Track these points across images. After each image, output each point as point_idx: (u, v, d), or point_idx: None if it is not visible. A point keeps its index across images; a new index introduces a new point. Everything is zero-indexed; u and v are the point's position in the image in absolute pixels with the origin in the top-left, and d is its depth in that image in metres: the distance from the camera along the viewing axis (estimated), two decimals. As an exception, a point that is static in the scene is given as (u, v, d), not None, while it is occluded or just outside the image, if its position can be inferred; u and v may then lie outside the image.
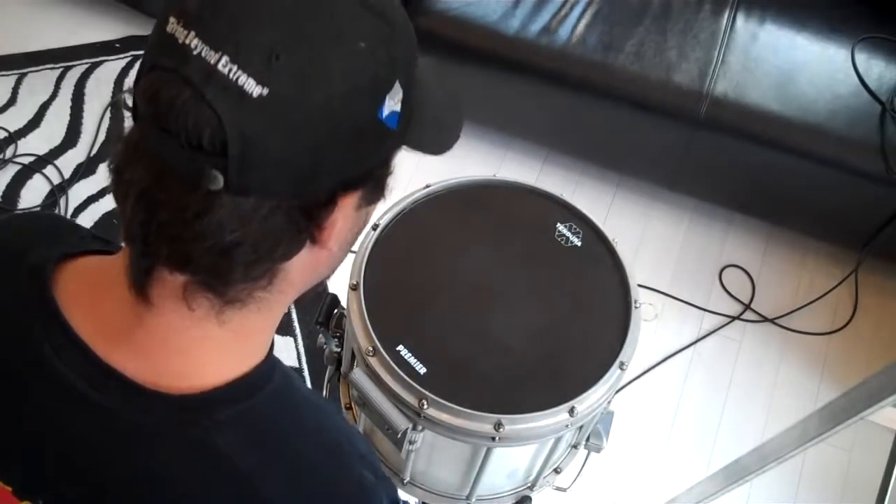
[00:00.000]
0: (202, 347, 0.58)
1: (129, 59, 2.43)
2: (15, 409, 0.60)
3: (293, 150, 0.50)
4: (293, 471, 0.60)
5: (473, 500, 1.17)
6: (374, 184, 0.59)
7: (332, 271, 0.65)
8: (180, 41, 0.49)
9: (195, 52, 0.48)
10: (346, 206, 0.56)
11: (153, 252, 0.54)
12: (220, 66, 0.48)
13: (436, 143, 0.64)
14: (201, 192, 0.50)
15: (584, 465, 1.31)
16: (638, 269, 1.11)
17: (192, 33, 0.49)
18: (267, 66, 0.48)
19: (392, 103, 0.54)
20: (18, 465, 0.60)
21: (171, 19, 0.50)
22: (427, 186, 1.15)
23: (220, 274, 0.54)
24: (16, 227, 0.70)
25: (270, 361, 0.63)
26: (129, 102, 0.58)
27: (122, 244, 0.57)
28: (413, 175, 2.31)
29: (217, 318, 0.57)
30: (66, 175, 2.17)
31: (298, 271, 0.59)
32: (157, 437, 0.57)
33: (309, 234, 0.56)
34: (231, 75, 0.48)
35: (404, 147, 0.60)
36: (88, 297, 0.59)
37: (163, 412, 0.57)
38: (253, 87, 0.48)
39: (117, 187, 0.54)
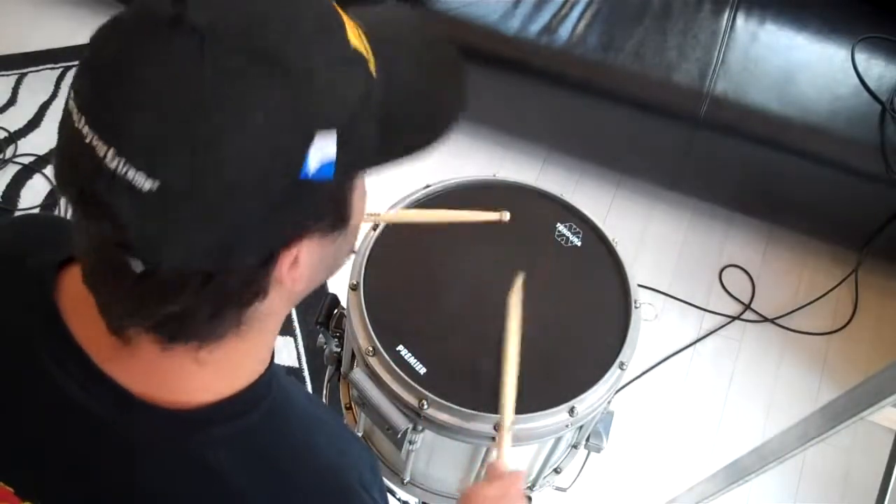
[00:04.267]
0: (190, 372, 0.57)
1: (129, 59, 2.44)
2: (15, 414, 0.60)
3: (200, 238, 0.47)
4: (285, 494, 0.59)
5: (473, 500, 1.17)
6: (328, 223, 0.54)
7: (330, 276, 0.61)
8: (75, 125, 0.46)
9: (87, 141, 0.45)
10: (304, 250, 0.52)
11: (109, 310, 0.53)
12: (107, 161, 0.45)
13: (419, 145, 0.58)
14: (131, 276, 0.48)
15: (584, 465, 1.31)
16: (638, 269, 1.11)
17: (83, 119, 0.46)
18: (152, 157, 0.45)
19: (319, 156, 0.48)
20: (20, 468, 0.60)
21: (72, 94, 0.48)
22: (427, 186, 1.15)
23: (184, 334, 0.53)
24: (16, 231, 0.69)
25: (268, 375, 0.61)
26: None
27: None
28: (413, 175, 2.32)
29: (195, 357, 0.55)
30: (66, 175, 2.17)
31: (273, 302, 0.56)
32: (149, 450, 0.57)
33: (261, 288, 0.53)
34: (119, 169, 0.45)
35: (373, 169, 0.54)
36: (87, 307, 0.57)
37: (156, 426, 0.57)
38: (142, 182, 0.45)
39: (75, 236, 0.53)
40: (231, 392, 0.59)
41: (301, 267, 0.53)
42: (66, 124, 0.47)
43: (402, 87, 0.55)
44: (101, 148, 0.45)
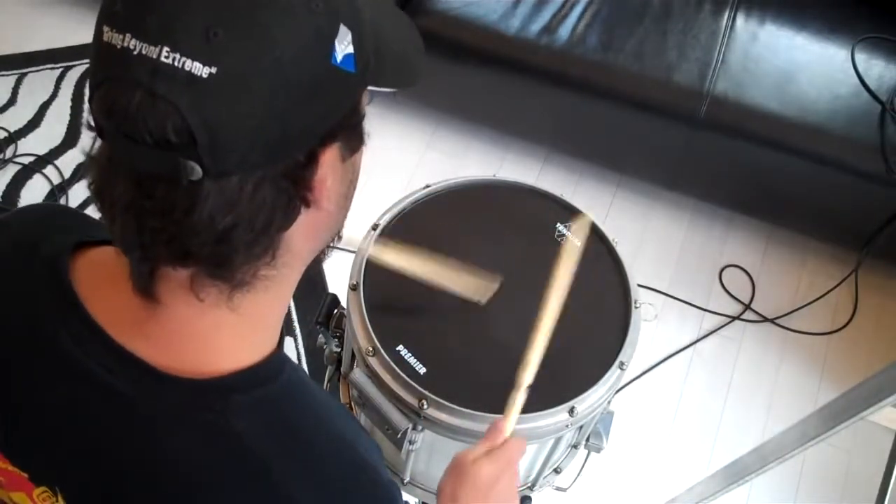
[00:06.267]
0: (216, 334, 0.59)
1: (129, 59, 2.44)
2: (31, 397, 0.60)
3: (259, 121, 0.50)
4: (308, 461, 0.60)
5: (473, 500, 1.16)
6: (349, 132, 0.58)
7: (335, 234, 0.65)
8: (118, 47, 0.49)
9: (135, 53, 0.48)
10: (329, 160, 0.56)
11: (152, 256, 0.54)
12: (162, 59, 0.47)
13: (401, 78, 0.63)
14: (183, 187, 0.50)
15: (584, 465, 1.31)
16: (638, 269, 1.11)
17: (128, 35, 0.48)
18: (207, 45, 0.47)
19: (343, 47, 0.53)
20: (34, 452, 0.61)
21: (105, 29, 0.50)
22: (427, 186, 1.15)
23: (223, 261, 0.54)
24: (28, 219, 0.70)
25: (281, 355, 0.64)
26: (91, 122, 0.60)
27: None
28: (413, 175, 2.32)
29: (227, 305, 0.57)
30: (66, 175, 2.17)
31: (300, 239, 0.59)
32: (174, 421, 0.58)
33: (300, 198, 0.56)
34: (176, 63, 0.47)
35: (371, 88, 0.59)
36: (104, 286, 0.59)
37: (180, 396, 0.58)
38: (200, 70, 0.47)
39: (102, 208, 0.54)
40: (250, 363, 0.60)
41: (326, 191, 0.56)
42: (105, 55, 0.49)
43: (381, 26, 0.59)
44: (152, 51, 0.47)
